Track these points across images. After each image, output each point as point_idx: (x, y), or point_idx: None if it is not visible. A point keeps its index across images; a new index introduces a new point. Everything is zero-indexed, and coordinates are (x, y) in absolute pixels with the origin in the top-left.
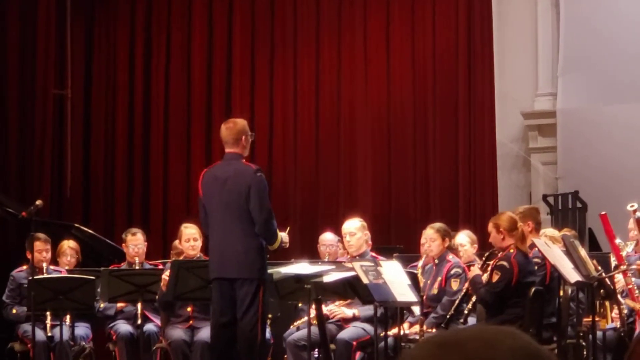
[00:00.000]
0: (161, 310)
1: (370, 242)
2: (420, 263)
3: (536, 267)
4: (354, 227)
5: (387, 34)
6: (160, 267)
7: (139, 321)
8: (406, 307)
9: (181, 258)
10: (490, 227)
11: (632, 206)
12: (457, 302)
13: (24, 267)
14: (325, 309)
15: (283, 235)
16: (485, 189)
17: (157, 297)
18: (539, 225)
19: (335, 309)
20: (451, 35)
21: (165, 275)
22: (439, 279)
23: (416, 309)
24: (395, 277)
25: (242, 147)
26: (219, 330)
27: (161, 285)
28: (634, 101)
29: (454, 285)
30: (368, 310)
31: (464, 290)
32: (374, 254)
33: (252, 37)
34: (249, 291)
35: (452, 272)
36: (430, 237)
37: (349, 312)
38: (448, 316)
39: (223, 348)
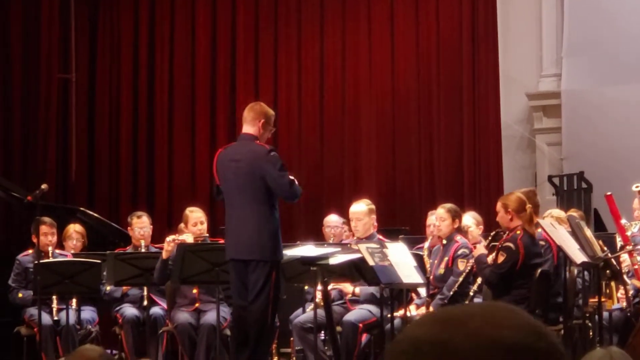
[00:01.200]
0: (158, 283)
1: (376, 224)
2: (426, 245)
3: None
4: (361, 213)
5: (391, 17)
6: None
7: (145, 304)
8: (412, 289)
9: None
10: (499, 206)
11: (637, 186)
12: (460, 280)
13: (30, 251)
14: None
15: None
16: (490, 170)
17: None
18: (537, 207)
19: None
20: (455, 17)
21: (169, 239)
22: (446, 259)
23: (422, 291)
24: (401, 259)
25: (258, 129)
26: (238, 311)
27: (163, 252)
28: (639, 82)
29: (461, 265)
30: (368, 289)
31: (469, 268)
32: (380, 237)
33: (256, 20)
34: (262, 274)
35: (460, 252)
36: (440, 217)
37: (349, 288)
38: (451, 293)
39: (244, 329)
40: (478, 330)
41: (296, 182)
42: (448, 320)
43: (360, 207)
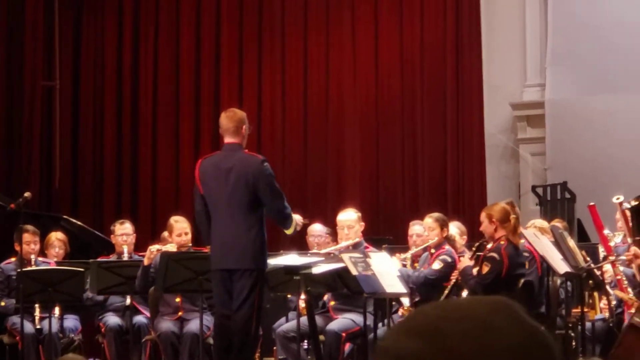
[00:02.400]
0: (139, 291)
1: (361, 233)
2: (408, 254)
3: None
4: (352, 220)
5: (375, 25)
6: None
7: (128, 312)
8: (395, 298)
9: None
10: (483, 216)
11: (617, 198)
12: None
13: (12, 259)
14: None
15: (297, 218)
16: (473, 180)
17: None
18: (517, 218)
19: None
20: (439, 26)
21: (153, 248)
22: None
23: (405, 300)
24: (384, 269)
25: (242, 136)
26: (221, 320)
27: (144, 259)
28: (622, 92)
29: (436, 265)
30: None
31: (454, 280)
32: (367, 245)
33: (240, 27)
34: (247, 283)
35: (441, 257)
36: (429, 226)
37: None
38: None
39: (227, 338)
40: (463, 344)
41: (292, 214)
42: (426, 332)
43: (351, 215)
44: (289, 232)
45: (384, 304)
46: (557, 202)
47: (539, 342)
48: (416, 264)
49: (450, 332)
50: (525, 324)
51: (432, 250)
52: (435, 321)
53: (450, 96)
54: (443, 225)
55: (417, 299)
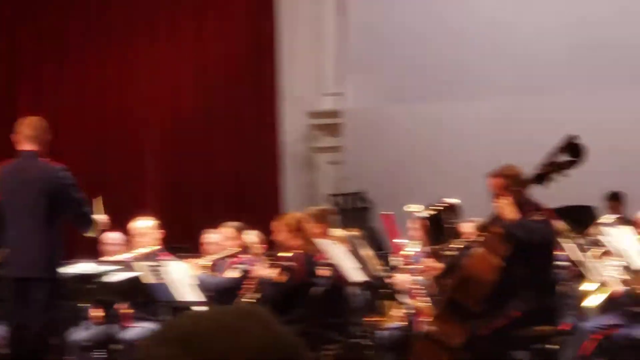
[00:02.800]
0: None
1: (159, 242)
2: (205, 263)
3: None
4: (147, 227)
5: (174, 34)
6: None
7: None
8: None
9: None
10: (279, 226)
11: (413, 207)
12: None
13: None
14: None
15: (99, 218)
16: (270, 188)
17: None
18: (331, 227)
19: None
20: (236, 36)
21: None
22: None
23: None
24: (179, 277)
25: (40, 144)
26: (15, 330)
27: None
28: (417, 102)
29: (232, 273)
30: None
31: (249, 288)
32: (163, 253)
33: (40, 39)
34: (42, 292)
35: (238, 266)
36: (227, 235)
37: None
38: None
39: (21, 348)
40: (218, 351)
41: (93, 217)
42: (184, 338)
43: (146, 223)
44: (91, 234)
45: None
46: (353, 211)
47: (286, 345)
48: (214, 272)
49: (203, 339)
50: (274, 330)
51: (231, 259)
52: (189, 329)
53: (247, 105)
54: (240, 233)
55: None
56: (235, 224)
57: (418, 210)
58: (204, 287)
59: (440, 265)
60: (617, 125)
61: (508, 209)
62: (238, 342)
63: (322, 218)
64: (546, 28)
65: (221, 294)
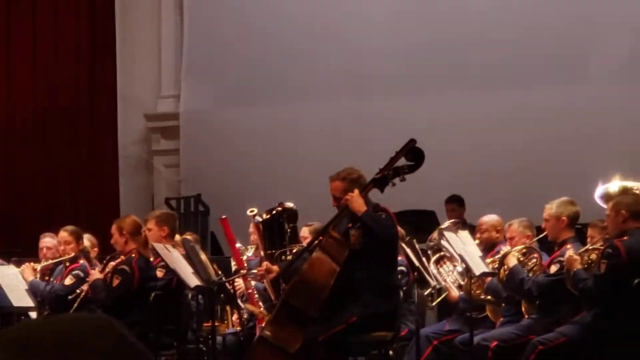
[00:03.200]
0: None
1: None
2: (38, 267)
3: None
4: None
5: (7, 35)
6: None
7: None
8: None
9: None
10: (114, 229)
11: (251, 211)
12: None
13: None
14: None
15: None
16: (107, 191)
17: None
18: (175, 231)
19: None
20: (73, 37)
21: None
22: None
23: (33, 314)
24: (11, 282)
25: None
26: None
27: None
28: (254, 105)
29: (67, 280)
30: None
31: (83, 294)
32: None
33: None
34: None
35: (74, 272)
36: (64, 240)
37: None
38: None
39: None
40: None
41: None
42: (26, 345)
43: None
44: None
45: (11, 318)
46: (190, 214)
47: (125, 353)
48: (49, 278)
49: (40, 346)
50: (113, 337)
51: (67, 264)
52: (27, 335)
53: (84, 107)
54: (78, 238)
55: (46, 313)
56: (71, 228)
57: (256, 213)
58: (36, 293)
59: (275, 268)
60: (457, 128)
61: (358, 201)
62: (78, 351)
63: (165, 221)
64: (382, 29)
65: (57, 301)
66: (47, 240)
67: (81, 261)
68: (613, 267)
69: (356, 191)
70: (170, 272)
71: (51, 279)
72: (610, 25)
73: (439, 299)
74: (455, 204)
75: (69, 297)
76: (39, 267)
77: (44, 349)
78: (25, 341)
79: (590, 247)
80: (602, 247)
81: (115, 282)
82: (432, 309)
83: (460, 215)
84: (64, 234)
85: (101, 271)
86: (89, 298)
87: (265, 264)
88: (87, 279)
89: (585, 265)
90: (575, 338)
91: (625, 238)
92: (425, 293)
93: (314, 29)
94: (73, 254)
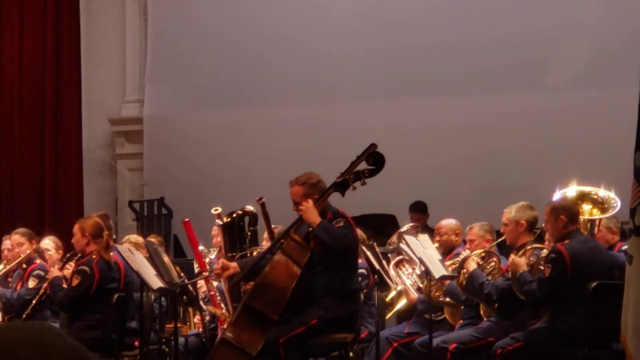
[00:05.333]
0: None
1: None
2: None
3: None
4: None
5: None
6: None
7: None
8: None
9: None
10: (76, 229)
11: (215, 210)
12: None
13: None
14: None
15: None
16: (71, 194)
17: None
18: (110, 230)
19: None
20: (38, 41)
21: None
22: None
23: None
24: None
25: None
26: None
27: None
28: (216, 109)
29: (30, 283)
30: None
31: (43, 290)
32: None
33: None
34: None
35: (34, 272)
36: (18, 242)
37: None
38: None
39: None
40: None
41: None
42: None
43: None
44: None
45: None
46: (154, 217)
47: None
48: (10, 281)
49: (7, 350)
50: (70, 342)
51: (24, 265)
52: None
53: (49, 111)
54: (31, 238)
55: (8, 316)
56: (22, 230)
57: (220, 212)
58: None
59: (232, 265)
60: (417, 133)
61: (312, 213)
62: (44, 355)
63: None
64: (345, 34)
65: (26, 305)
66: (8, 243)
67: (38, 261)
68: (557, 271)
69: (310, 202)
70: (132, 274)
71: (11, 283)
72: (571, 30)
73: (399, 305)
74: (420, 212)
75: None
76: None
77: (12, 354)
78: None
79: (530, 247)
80: (542, 246)
81: (75, 282)
82: (392, 311)
83: (424, 222)
84: (15, 237)
85: (60, 269)
86: (48, 297)
87: (222, 261)
88: (47, 277)
89: (530, 268)
90: (531, 341)
91: (567, 241)
92: (387, 299)
93: (276, 34)
94: (28, 252)
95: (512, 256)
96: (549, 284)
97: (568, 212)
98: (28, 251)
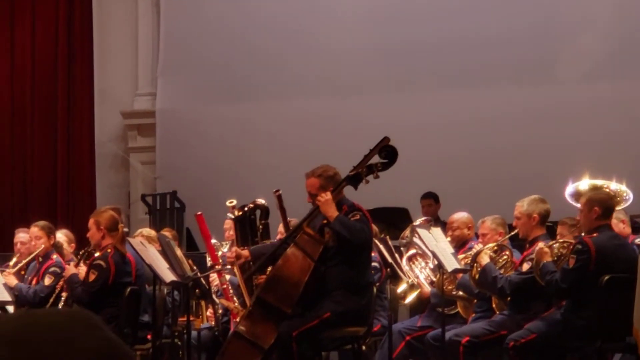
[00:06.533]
0: None
1: None
2: (11, 262)
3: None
4: None
5: None
6: None
7: None
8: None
9: None
10: (92, 223)
11: (230, 202)
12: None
13: None
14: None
15: None
16: (83, 188)
17: None
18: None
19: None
20: (51, 34)
21: None
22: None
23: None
24: None
25: None
26: None
27: None
28: (232, 102)
29: (46, 281)
30: None
31: (59, 289)
32: None
33: None
34: None
35: (50, 269)
36: (35, 235)
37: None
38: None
39: None
40: (52, 356)
41: None
42: (17, 340)
43: None
44: None
45: None
46: (166, 211)
47: (117, 348)
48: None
49: (34, 340)
50: (103, 332)
51: (40, 259)
52: (20, 330)
53: (61, 104)
54: (50, 232)
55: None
56: (42, 223)
57: (235, 205)
58: (20, 297)
59: (245, 253)
60: (429, 127)
61: (330, 205)
62: (70, 347)
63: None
64: (357, 28)
65: (41, 301)
66: (21, 236)
67: (54, 256)
68: (582, 262)
69: (328, 194)
70: (146, 267)
71: (25, 276)
72: (582, 24)
73: (412, 296)
74: (432, 199)
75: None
76: (12, 271)
77: (37, 346)
78: (17, 337)
79: (561, 241)
80: (573, 242)
81: (92, 277)
82: (405, 304)
83: (435, 211)
84: (34, 230)
85: (76, 265)
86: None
87: (235, 249)
88: (64, 274)
89: (555, 258)
90: (544, 334)
91: (595, 235)
92: (399, 290)
93: (288, 29)
94: (43, 246)
95: (541, 244)
96: (573, 275)
97: (603, 205)
98: (43, 245)
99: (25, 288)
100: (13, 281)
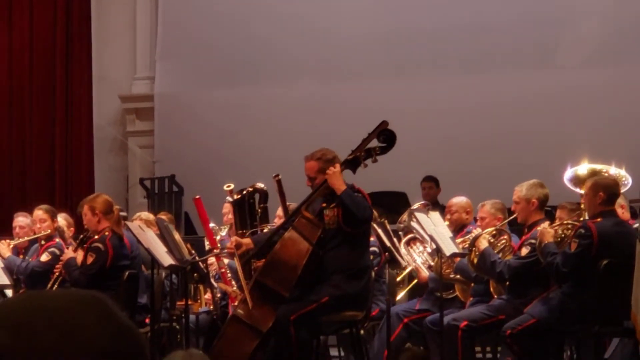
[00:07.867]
0: None
1: None
2: (12, 243)
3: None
4: None
5: None
6: None
7: None
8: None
9: None
10: (86, 209)
11: (228, 186)
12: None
13: None
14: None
15: None
16: (82, 172)
17: None
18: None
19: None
20: (49, 18)
21: None
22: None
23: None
24: None
25: None
26: None
27: None
28: (230, 87)
29: (43, 257)
30: None
31: (58, 272)
32: None
33: None
34: None
35: (50, 249)
36: (40, 218)
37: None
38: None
39: None
40: (53, 344)
41: None
42: (15, 325)
43: None
44: None
45: None
46: (165, 195)
47: (128, 338)
48: (25, 256)
49: (38, 325)
50: (116, 319)
51: (43, 242)
52: (23, 314)
53: (60, 88)
54: (53, 216)
55: (22, 290)
56: (46, 206)
57: (232, 189)
58: (12, 269)
59: (245, 241)
60: (429, 111)
61: (339, 178)
62: (76, 334)
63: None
64: (356, 13)
65: (33, 278)
66: (20, 220)
67: (57, 239)
68: (583, 247)
69: (337, 167)
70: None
71: (26, 257)
72: (583, 9)
73: (412, 284)
74: (433, 182)
75: (48, 275)
76: (12, 243)
77: (40, 330)
78: (18, 321)
79: (565, 222)
80: (577, 224)
81: (90, 259)
82: (403, 288)
83: (435, 195)
84: (39, 212)
85: (75, 250)
86: (64, 276)
87: (234, 238)
88: (61, 258)
89: (558, 239)
90: (543, 319)
91: (599, 220)
92: (398, 279)
93: (287, 13)
94: (49, 231)
95: (544, 224)
96: (574, 260)
97: (607, 190)
98: (49, 230)
99: (19, 260)
100: (6, 252)
